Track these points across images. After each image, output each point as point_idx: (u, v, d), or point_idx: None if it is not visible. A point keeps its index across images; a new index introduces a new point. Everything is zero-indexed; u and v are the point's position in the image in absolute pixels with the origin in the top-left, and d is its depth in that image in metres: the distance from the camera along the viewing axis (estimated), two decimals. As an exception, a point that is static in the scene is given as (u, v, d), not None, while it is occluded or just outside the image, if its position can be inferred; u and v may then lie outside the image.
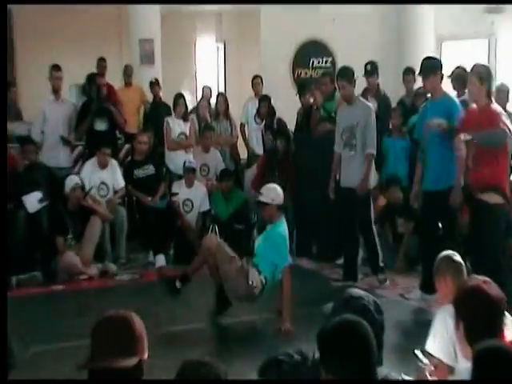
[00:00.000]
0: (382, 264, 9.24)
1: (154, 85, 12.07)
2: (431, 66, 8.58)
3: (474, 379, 2.92)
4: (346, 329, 2.95)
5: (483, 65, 8.23)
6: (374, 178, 9.58)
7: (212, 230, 10.76)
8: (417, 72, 9.24)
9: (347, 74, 9.30)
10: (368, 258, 9.55)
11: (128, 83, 12.16)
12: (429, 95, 9.27)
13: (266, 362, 3.80)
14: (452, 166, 7.96)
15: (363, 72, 11.25)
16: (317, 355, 3.41)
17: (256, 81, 12.40)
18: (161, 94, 12.08)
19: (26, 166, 10.08)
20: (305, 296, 8.29)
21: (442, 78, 8.81)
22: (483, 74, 7.58)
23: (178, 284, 7.68)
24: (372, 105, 10.14)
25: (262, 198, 7.66)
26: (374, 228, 9.30)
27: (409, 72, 11.41)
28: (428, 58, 8.99)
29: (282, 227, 7.74)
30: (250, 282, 7.36)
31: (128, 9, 12.91)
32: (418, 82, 10.78)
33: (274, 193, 7.65)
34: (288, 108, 11.61)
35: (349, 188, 9.17)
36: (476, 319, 3.58)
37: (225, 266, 7.43)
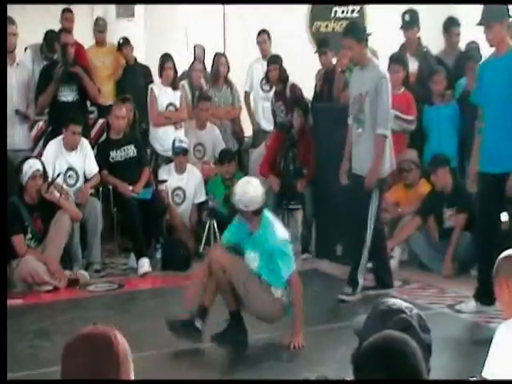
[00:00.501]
0: (359, 280, 9.11)
1: (126, 43, 12.10)
2: (497, 13, 8.53)
3: None
4: (390, 349, 2.87)
5: None
6: (388, 165, 9.25)
7: (210, 227, 10.84)
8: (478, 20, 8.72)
9: (355, 31, 9.31)
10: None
11: (100, 42, 12.24)
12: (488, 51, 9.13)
13: None
14: None
15: (400, 23, 11.32)
16: (347, 379, 3.45)
17: (262, 37, 12.36)
18: (136, 55, 12.21)
19: (-28, 149, 10.13)
20: (325, 308, 8.51)
21: (509, 28, 8.81)
22: None
23: (198, 323, 7.48)
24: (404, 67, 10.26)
25: (235, 202, 7.60)
26: (371, 229, 9.13)
27: (452, 23, 11.42)
28: (488, 6, 8.74)
29: (267, 231, 7.64)
30: (277, 296, 7.41)
31: None
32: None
33: (247, 197, 7.49)
34: (305, 71, 11.69)
35: (357, 175, 9.19)
36: None
37: (243, 284, 7.39)
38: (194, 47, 12.86)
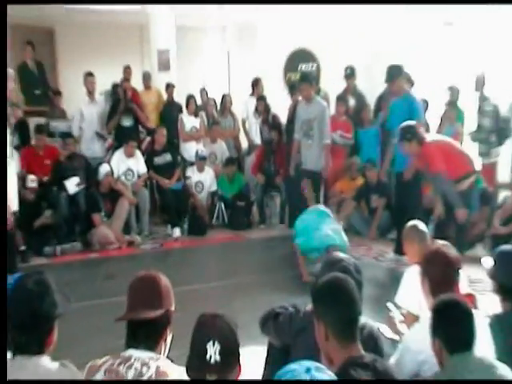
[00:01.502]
0: None
1: (170, 87, 11.94)
2: (396, 72, 8.65)
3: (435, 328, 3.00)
4: (336, 284, 2.94)
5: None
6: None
7: (219, 207, 10.98)
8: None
9: (307, 78, 9.55)
10: None
11: (147, 87, 12.05)
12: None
13: (266, 314, 3.86)
14: None
15: (344, 74, 11.31)
16: (308, 307, 3.50)
17: (255, 83, 12.14)
18: (174, 95, 12.00)
19: (67, 156, 10.08)
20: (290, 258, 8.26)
21: (406, 80, 8.98)
22: None
23: None
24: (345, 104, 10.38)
25: None
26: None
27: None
28: (392, 66, 8.83)
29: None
30: None
31: (148, 23, 12.86)
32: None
33: None
34: (281, 105, 11.52)
35: (309, 170, 9.44)
36: (436, 276, 3.63)
37: None
38: (201, 90, 12.68)
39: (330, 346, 2.82)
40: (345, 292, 2.87)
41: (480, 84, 10.55)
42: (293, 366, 2.19)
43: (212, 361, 2.44)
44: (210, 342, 2.46)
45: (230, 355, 2.48)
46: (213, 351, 2.44)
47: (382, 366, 2.76)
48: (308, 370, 2.14)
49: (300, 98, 10.02)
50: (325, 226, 7.73)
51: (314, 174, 9.46)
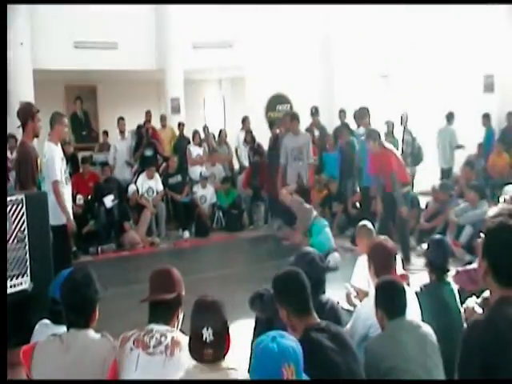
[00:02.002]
0: None
1: (180, 125, 11.87)
2: (363, 113, 8.89)
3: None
4: (287, 276, 2.94)
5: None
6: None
7: (217, 215, 10.90)
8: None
9: (297, 117, 9.46)
10: None
11: (163, 125, 11.98)
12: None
13: (253, 295, 3.80)
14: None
15: (310, 113, 11.30)
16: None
17: (246, 120, 12.09)
18: (184, 131, 11.94)
19: (105, 179, 10.16)
20: (279, 253, 8.24)
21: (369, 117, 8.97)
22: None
23: None
24: (312, 134, 10.38)
25: None
26: None
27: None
28: (361, 108, 9.07)
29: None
30: None
31: (163, 78, 12.80)
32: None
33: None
34: (264, 137, 11.51)
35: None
36: (379, 262, 3.66)
37: None
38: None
39: (291, 320, 2.81)
40: (295, 281, 2.85)
41: (404, 120, 11.11)
42: (262, 337, 2.21)
43: (208, 340, 2.42)
44: (205, 327, 2.42)
45: (221, 333, 2.44)
46: (207, 334, 2.41)
47: (334, 328, 2.82)
48: (273, 339, 2.16)
49: (280, 131, 10.15)
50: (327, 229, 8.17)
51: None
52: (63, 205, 5.93)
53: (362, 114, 8.97)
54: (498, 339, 2.00)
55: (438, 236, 4.58)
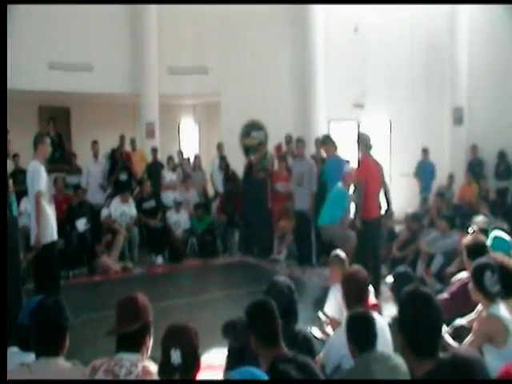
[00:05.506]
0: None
1: (154, 151, 11.90)
2: (326, 139, 9.02)
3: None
4: (257, 305, 2.98)
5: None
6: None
7: (191, 241, 10.86)
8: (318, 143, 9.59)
9: (302, 145, 9.68)
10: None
11: (133, 149, 11.98)
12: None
13: (226, 323, 3.77)
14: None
15: (284, 141, 11.35)
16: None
17: (220, 146, 12.11)
18: (158, 156, 11.97)
19: (77, 203, 10.05)
20: (251, 279, 8.30)
21: (333, 145, 9.01)
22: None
23: None
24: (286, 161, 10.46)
25: None
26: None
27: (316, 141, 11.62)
28: (324, 135, 9.34)
29: None
30: None
31: (138, 102, 12.83)
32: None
33: None
34: (238, 164, 11.62)
35: (299, 210, 9.47)
36: (351, 292, 3.69)
37: None
38: (178, 152, 12.61)
39: (258, 350, 2.87)
40: (263, 311, 2.90)
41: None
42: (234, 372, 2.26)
43: (176, 363, 2.42)
44: (173, 349, 2.43)
45: (190, 357, 2.44)
46: (175, 356, 2.41)
47: (302, 359, 2.82)
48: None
49: (254, 158, 10.34)
50: None
51: (303, 213, 9.43)
52: (40, 219, 6.08)
53: (324, 140, 9.19)
54: None
55: (402, 268, 4.60)
